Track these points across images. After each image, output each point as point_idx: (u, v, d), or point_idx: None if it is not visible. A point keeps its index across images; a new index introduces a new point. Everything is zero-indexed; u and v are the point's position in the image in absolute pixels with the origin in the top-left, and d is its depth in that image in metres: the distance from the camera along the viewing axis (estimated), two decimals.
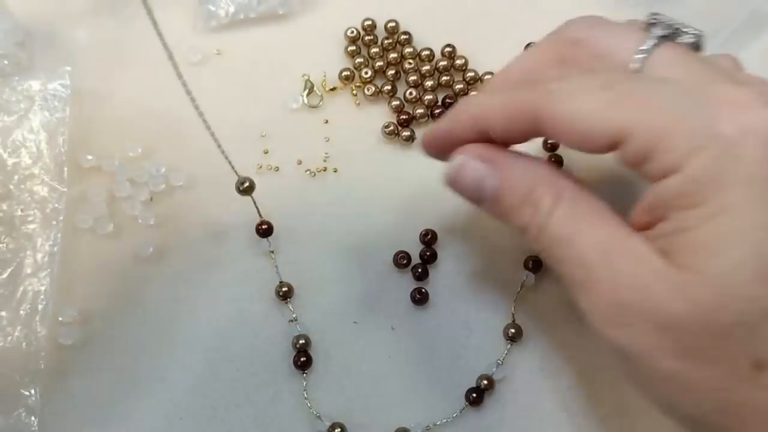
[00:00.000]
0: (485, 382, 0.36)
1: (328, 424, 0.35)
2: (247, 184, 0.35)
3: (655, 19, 0.29)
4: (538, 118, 0.26)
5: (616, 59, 0.28)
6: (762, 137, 0.23)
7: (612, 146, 0.25)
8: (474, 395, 0.36)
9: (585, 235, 0.26)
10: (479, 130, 0.29)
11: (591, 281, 0.26)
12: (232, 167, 0.34)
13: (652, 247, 0.25)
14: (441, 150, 0.32)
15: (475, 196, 0.30)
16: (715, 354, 0.23)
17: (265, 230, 0.38)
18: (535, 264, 0.38)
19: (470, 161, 0.29)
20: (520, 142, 0.29)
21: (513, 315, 0.37)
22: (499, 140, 0.29)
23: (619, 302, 0.25)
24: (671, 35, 0.28)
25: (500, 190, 0.29)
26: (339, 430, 0.35)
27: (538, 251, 0.29)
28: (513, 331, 0.37)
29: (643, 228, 0.26)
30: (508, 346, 0.37)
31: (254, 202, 0.37)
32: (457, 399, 0.36)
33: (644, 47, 0.27)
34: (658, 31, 0.28)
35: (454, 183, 0.30)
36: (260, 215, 0.38)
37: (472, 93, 0.33)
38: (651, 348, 0.24)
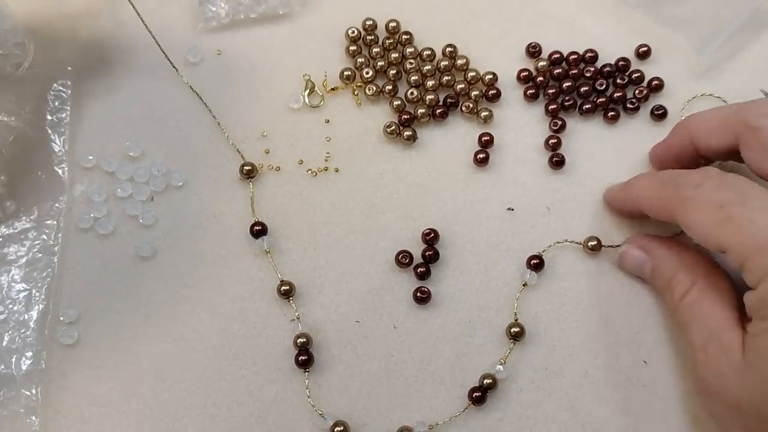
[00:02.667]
0: (488, 381, 0.36)
1: (330, 422, 0.35)
2: (249, 168, 0.39)
3: None
4: (675, 216, 0.33)
5: None
6: None
7: (721, 251, 0.31)
8: (477, 394, 0.36)
9: (698, 324, 0.33)
10: (638, 207, 0.37)
11: (695, 359, 0.33)
12: (238, 151, 0.37)
13: (741, 342, 0.31)
14: (619, 211, 0.39)
15: (639, 275, 0.38)
16: None
17: (258, 231, 0.38)
18: (537, 263, 0.38)
19: (632, 250, 0.38)
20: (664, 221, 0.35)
21: (516, 314, 0.37)
22: (652, 216, 0.36)
23: (707, 381, 0.32)
24: None
25: (653, 276, 0.37)
26: (341, 428, 0.35)
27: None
28: (516, 330, 0.37)
29: (748, 320, 0.32)
30: (511, 345, 0.37)
31: (252, 202, 0.38)
32: (460, 398, 0.36)
33: None
34: None
35: (620, 264, 0.38)
36: (253, 214, 0.38)
37: (636, 179, 0.38)
38: (725, 419, 0.32)
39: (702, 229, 0.31)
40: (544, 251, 0.38)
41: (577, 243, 0.39)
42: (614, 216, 0.39)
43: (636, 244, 0.38)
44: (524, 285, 0.38)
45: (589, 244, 0.38)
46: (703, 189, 0.32)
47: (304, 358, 0.36)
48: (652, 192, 0.35)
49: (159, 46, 0.41)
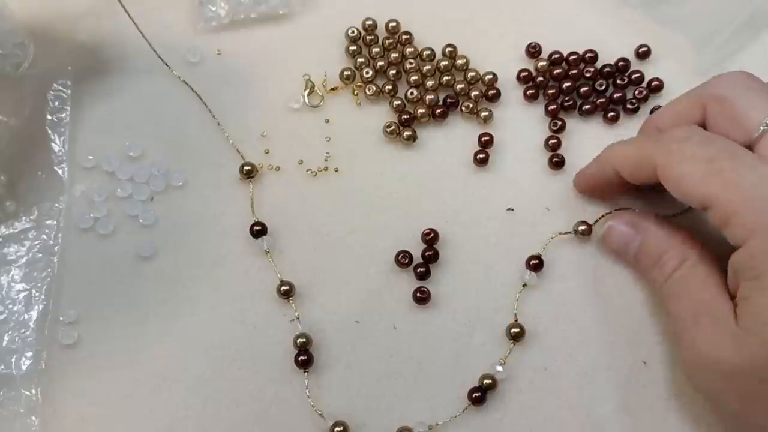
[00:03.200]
0: (488, 381, 0.36)
1: (330, 422, 0.35)
2: (249, 168, 0.39)
3: None
4: (656, 170, 0.32)
5: (745, 125, 0.32)
6: None
7: (703, 209, 0.31)
8: (476, 395, 0.36)
9: (689, 297, 0.32)
10: (615, 173, 0.35)
11: (683, 334, 0.32)
12: (237, 151, 0.37)
13: (733, 310, 0.30)
14: (591, 189, 0.39)
15: (621, 253, 0.37)
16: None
17: (258, 231, 0.38)
18: (537, 263, 0.38)
19: (619, 226, 0.37)
20: (646, 184, 0.34)
21: (515, 314, 0.37)
22: (630, 181, 0.35)
23: (698, 353, 0.31)
24: None
25: (640, 253, 0.36)
26: (341, 428, 0.35)
27: (657, 294, 0.36)
28: (516, 330, 0.37)
29: (736, 289, 0.31)
30: (511, 345, 0.37)
31: (251, 202, 0.38)
32: (460, 398, 0.36)
33: None
34: None
35: (604, 240, 0.37)
36: (253, 214, 0.38)
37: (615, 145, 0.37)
38: (720, 392, 0.31)
39: (689, 181, 0.30)
40: (543, 249, 0.38)
41: (568, 233, 0.39)
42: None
43: (623, 219, 0.37)
44: (524, 285, 0.38)
45: (579, 228, 0.38)
46: (691, 143, 0.31)
47: (303, 358, 0.36)
48: (630, 149, 0.34)
49: (150, 46, 0.41)
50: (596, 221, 0.38)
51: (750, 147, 0.31)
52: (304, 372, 0.36)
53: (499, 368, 0.36)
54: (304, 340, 0.36)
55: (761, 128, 0.31)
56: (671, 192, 0.32)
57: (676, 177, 0.31)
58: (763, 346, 0.28)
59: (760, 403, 0.29)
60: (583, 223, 0.38)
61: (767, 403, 0.29)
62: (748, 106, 0.32)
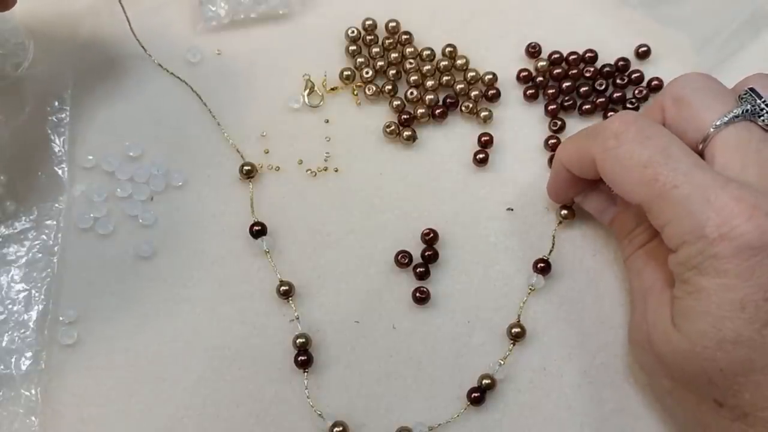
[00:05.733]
0: (487, 381, 0.36)
1: (329, 423, 0.35)
2: (248, 168, 0.39)
3: (747, 93, 0.32)
4: (599, 168, 0.32)
5: (698, 126, 0.32)
6: (735, 243, 0.28)
7: (641, 209, 0.31)
8: (476, 395, 0.36)
9: (646, 274, 0.34)
10: (568, 171, 0.35)
11: (634, 308, 0.35)
12: (237, 151, 0.38)
13: (671, 300, 0.31)
14: (557, 193, 0.38)
15: (597, 218, 0.38)
16: (690, 387, 0.31)
17: (258, 231, 0.38)
18: (544, 266, 0.38)
19: (598, 193, 0.37)
20: (594, 179, 0.34)
21: (519, 316, 0.37)
22: (584, 177, 0.35)
23: (640, 330, 0.33)
24: (751, 114, 0.31)
25: (615, 221, 0.37)
26: (341, 428, 0.35)
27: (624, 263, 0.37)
28: (517, 330, 0.36)
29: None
30: (511, 345, 0.37)
31: (251, 202, 0.38)
32: (459, 398, 0.36)
33: (718, 122, 0.31)
34: (739, 110, 0.31)
35: (581, 202, 0.38)
36: (253, 214, 0.38)
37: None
38: (653, 368, 0.33)
39: (625, 186, 0.31)
40: (550, 253, 0.38)
41: (560, 223, 0.39)
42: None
43: (604, 188, 0.37)
44: (531, 289, 0.38)
45: (562, 213, 0.39)
46: (625, 139, 0.31)
47: (303, 358, 0.36)
48: (574, 147, 0.35)
49: (143, 47, 0.41)
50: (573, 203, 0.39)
51: (702, 147, 0.32)
52: (304, 372, 0.36)
53: (498, 368, 0.36)
54: (303, 340, 0.36)
55: (711, 129, 0.31)
56: (611, 187, 0.33)
57: (612, 178, 0.32)
58: (686, 344, 0.29)
59: (682, 384, 0.31)
60: (565, 207, 0.39)
61: (687, 387, 0.31)
62: (703, 106, 0.32)
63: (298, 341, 0.36)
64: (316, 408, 0.36)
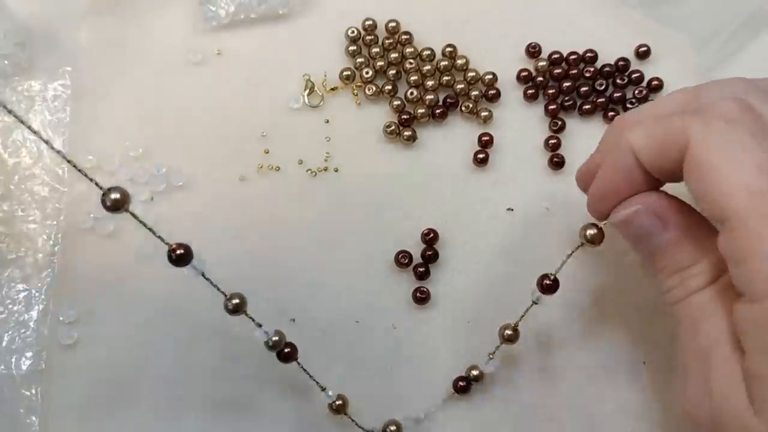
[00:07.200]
0: (475, 372, 0.36)
1: (333, 396, 0.35)
2: (117, 196, 0.28)
3: None
4: (685, 150, 0.24)
5: None
6: None
7: (714, 220, 0.24)
8: (461, 384, 0.35)
9: (704, 331, 0.26)
10: (627, 163, 0.27)
11: (688, 373, 0.26)
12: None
13: (741, 373, 0.24)
14: (610, 197, 0.29)
15: (636, 243, 0.29)
16: None
17: (179, 256, 0.30)
18: (550, 284, 0.33)
19: (644, 215, 0.28)
20: (661, 180, 0.27)
21: (517, 323, 0.36)
22: (647, 165, 0.27)
23: (700, 406, 0.25)
24: None
25: (661, 252, 0.28)
26: (341, 402, 0.35)
27: (665, 303, 0.28)
28: (509, 333, 0.35)
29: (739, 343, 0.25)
30: (499, 344, 0.35)
31: (149, 227, 0.30)
32: (459, 398, 0.36)
33: None
34: None
35: (621, 224, 0.29)
36: (163, 240, 0.30)
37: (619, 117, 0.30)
38: None
39: (724, 183, 0.23)
40: (556, 272, 0.33)
41: (583, 245, 0.31)
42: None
43: (651, 207, 0.28)
44: (533, 303, 0.34)
45: (588, 233, 0.30)
46: (740, 123, 0.23)
47: (287, 351, 0.33)
48: (661, 127, 0.26)
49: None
50: (604, 223, 0.30)
51: None
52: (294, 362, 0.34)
53: (488, 361, 0.35)
54: (277, 338, 0.33)
55: None
56: (692, 182, 0.24)
57: (711, 166, 0.23)
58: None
59: None
60: (593, 226, 0.30)
61: None
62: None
63: (271, 341, 0.32)
64: (319, 383, 0.35)
